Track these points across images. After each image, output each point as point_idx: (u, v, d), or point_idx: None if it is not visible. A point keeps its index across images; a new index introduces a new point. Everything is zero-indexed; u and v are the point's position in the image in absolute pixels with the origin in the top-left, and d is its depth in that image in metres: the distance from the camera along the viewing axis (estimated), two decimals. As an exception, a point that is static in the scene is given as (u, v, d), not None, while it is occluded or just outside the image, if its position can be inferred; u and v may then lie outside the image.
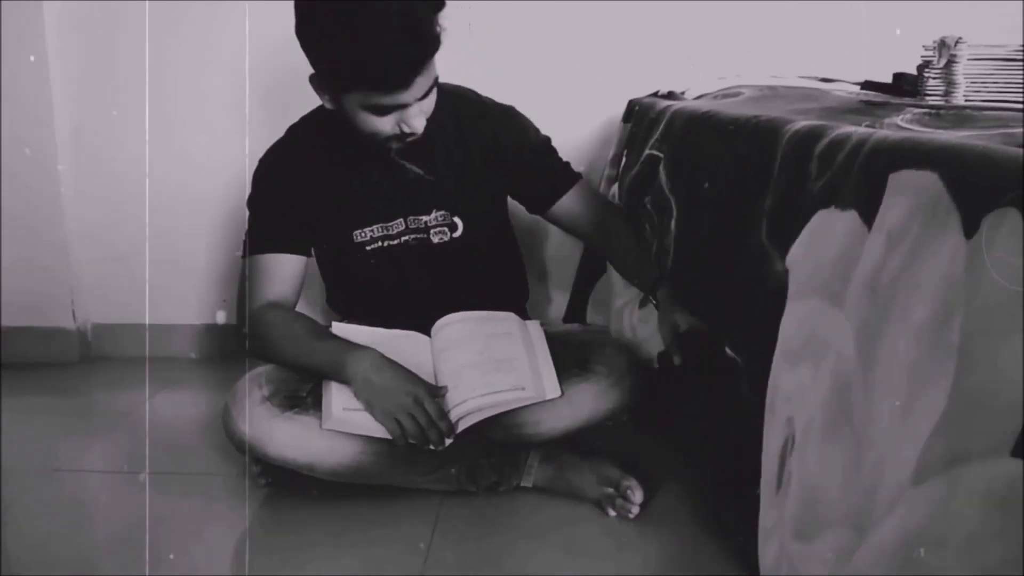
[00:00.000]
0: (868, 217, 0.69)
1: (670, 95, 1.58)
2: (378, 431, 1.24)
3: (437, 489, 1.33)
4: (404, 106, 1.19)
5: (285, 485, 1.35)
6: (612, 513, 1.28)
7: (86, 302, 2.03)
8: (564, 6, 1.80)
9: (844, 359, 0.68)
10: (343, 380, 1.25)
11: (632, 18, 1.81)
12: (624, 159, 1.56)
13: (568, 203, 1.44)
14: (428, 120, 1.24)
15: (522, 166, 1.41)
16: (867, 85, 1.40)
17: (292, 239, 1.36)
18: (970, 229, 0.57)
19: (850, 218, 0.71)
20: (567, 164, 1.46)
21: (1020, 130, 0.77)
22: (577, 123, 1.87)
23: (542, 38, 1.81)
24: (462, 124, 1.36)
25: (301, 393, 1.30)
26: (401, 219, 1.37)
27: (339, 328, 1.35)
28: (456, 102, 1.35)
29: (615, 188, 1.59)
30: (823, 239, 0.75)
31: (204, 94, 1.93)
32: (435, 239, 1.38)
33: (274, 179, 1.36)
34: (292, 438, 1.26)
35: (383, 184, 1.35)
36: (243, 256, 1.37)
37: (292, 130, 1.40)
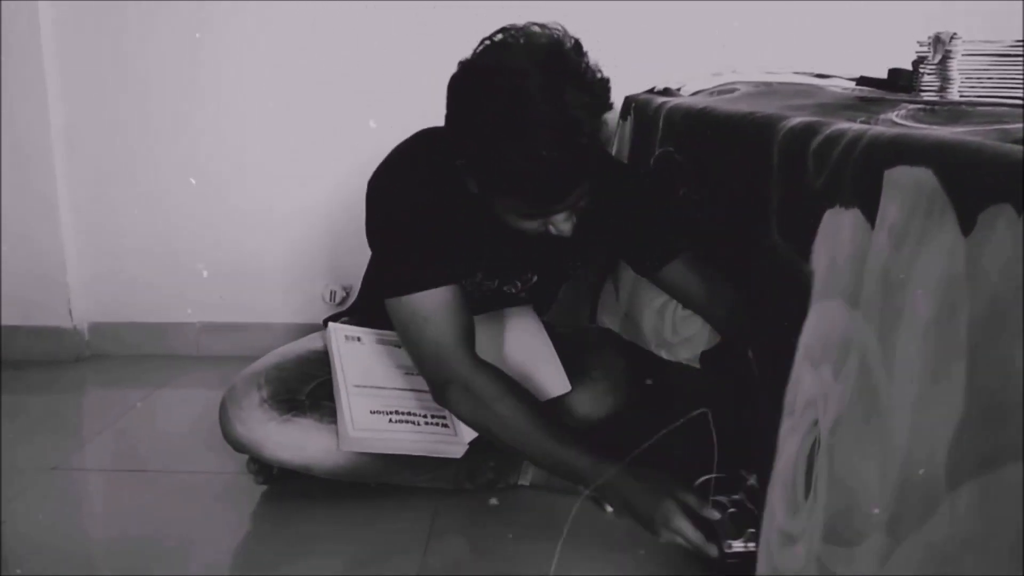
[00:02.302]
0: (870, 214, 0.68)
1: (666, 91, 1.58)
2: (395, 450, 1.23)
3: (434, 488, 1.33)
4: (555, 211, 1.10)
5: (282, 483, 1.35)
6: (609, 509, 1.28)
7: (83, 301, 2.03)
8: (558, 4, 1.80)
9: (869, 360, 0.67)
10: (594, 491, 1.14)
11: (627, 14, 1.81)
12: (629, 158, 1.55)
13: (673, 272, 1.29)
14: None
15: (629, 233, 1.30)
16: (862, 81, 1.40)
17: (454, 267, 1.19)
18: (967, 226, 0.57)
19: (854, 216, 0.71)
20: (678, 230, 1.31)
21: (1015, 126, 0.77)
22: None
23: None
24: (598, 194, 1.18)
25: (300, 396, 1.29)
26: (497, 279, 1.32)
27: (335, 328, 1.34)
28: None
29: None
30: (835, 239, 0.75)
31: (202, 96, 1.93)
32: (505, 288, 1.35)
33: (425, 202, 1.18)
34: (289, 441, 1.26)
35: (494, 245, 1.26)
36: (396, 295, 1.17)
37: (426, 146, 1.22)
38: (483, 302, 1.35)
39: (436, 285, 1.15)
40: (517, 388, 1.17)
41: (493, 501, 1.32)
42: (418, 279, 1.16)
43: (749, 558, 0.95)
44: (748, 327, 1.18)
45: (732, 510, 1.02)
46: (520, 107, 0.98)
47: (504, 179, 1.04)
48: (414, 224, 1.18)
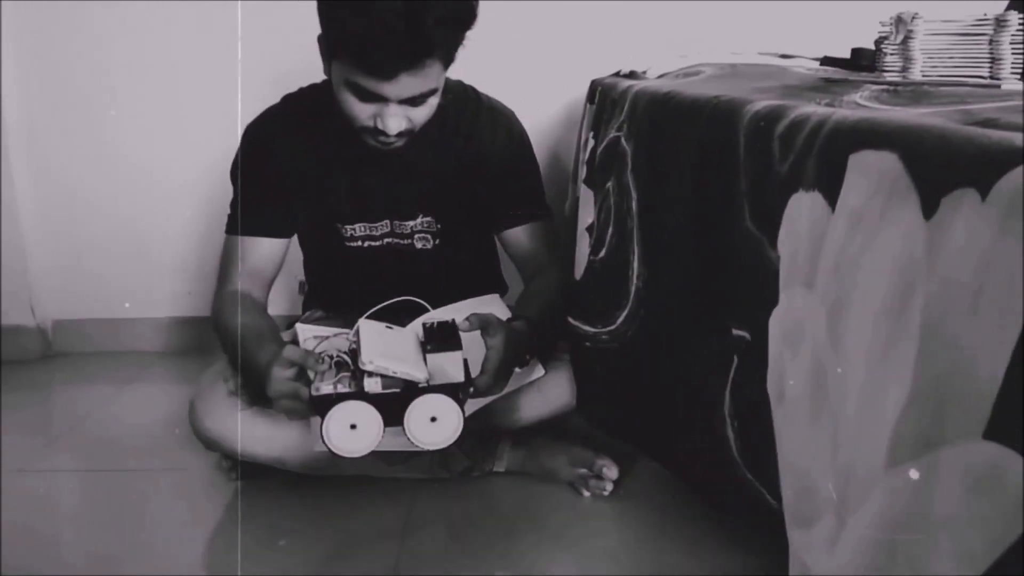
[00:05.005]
0: (832, 199, 0.69)
1: (632, 75, 1.57)
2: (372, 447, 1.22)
3: (410, 477, 1.33)
4: (385, 100, 1.14)
5: (257, 478, 1.34)
6: (586, 493, 1.29)
7: (45, 299, 1.99)
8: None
9: (818, 342, 0.68)
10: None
11: (592, -4, 1.80)
12: (591, 142, 1.55)
13: (518, 236, 1.37)
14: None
15: (493, 179, 1.35)
16: (826, 61, 1.41)
17: (275, 220, 1.32)
18: (929, 210, 0.57)
19: (815, 200, 0.71)
20: (540, 196, 1.40)
21: (977, 106, 0.77)
22: (540, 104, 1.85)
23: (501, 17, 1.79)
24: (457, 124, 1.30)
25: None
26: (387, 221, 1.35)
27: (302, 330, 1.31)
28: (453, 99, 1.29)
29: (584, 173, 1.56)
30: (797, 223, 0.75)
31: (162, 90, 1.89)
32: (418, 245, 1.36)
33: (263, 153, 1.31)
34: (259, 433, 1.25)
35: (372, 182, 1.31)
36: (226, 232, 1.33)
37: (288, 101, 1.34)
38: (401, 263, 1.36)
39: (256, 234, 1.31)
40: (252, 308, 1.28)
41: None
42: (245, 223, 1.31)
43: (340, 399, 1.07)
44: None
45: (336, 359, 1.12)
46: None
47: (344, 37, 1.11)
48: (254, 171, 1.31)
